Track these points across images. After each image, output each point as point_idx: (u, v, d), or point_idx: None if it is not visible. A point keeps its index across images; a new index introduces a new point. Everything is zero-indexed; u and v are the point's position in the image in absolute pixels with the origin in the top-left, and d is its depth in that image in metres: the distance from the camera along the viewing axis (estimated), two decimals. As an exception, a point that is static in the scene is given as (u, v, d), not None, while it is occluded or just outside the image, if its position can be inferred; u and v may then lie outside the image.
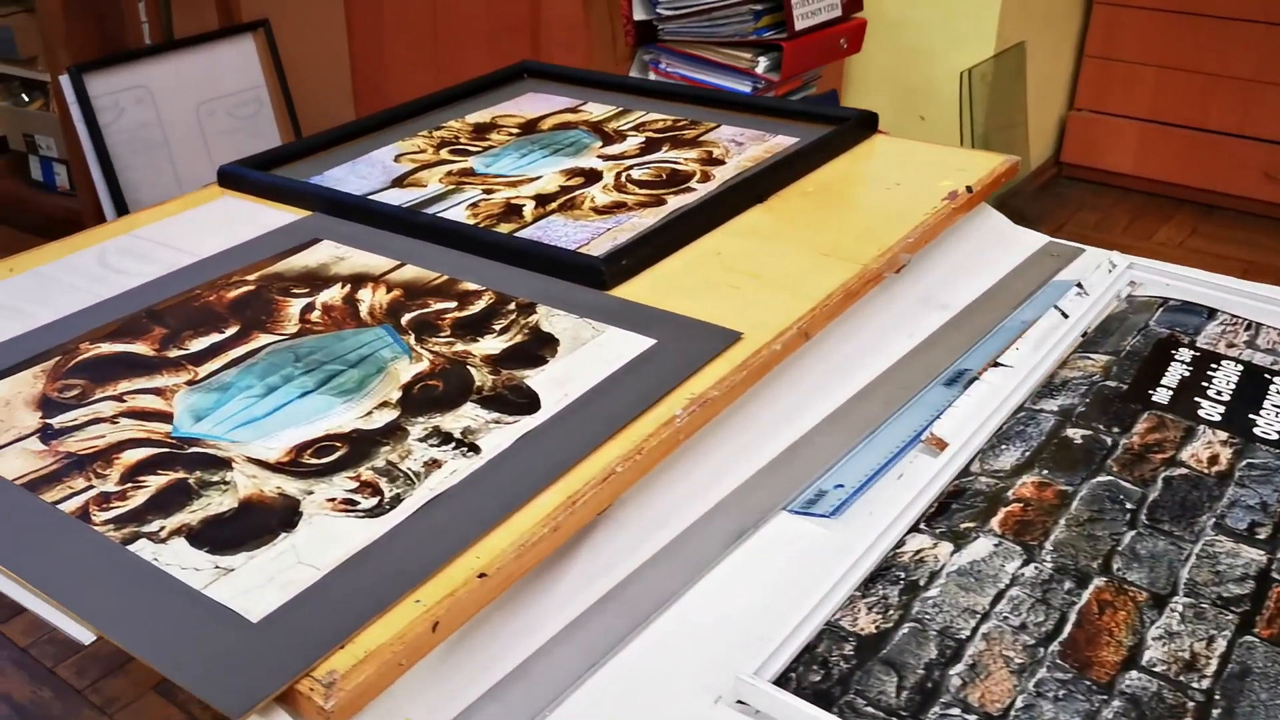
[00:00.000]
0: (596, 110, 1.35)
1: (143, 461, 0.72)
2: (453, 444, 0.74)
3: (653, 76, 2.16)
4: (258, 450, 0.73)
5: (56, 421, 0.77)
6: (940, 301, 1.05)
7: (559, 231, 1.04)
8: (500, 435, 0.74)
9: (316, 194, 1.10)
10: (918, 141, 1.27)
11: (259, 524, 0.67)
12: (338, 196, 1.09)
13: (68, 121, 2.34)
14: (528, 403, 0.78)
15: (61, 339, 0.87)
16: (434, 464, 0.72)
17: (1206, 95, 3.04)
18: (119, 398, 0.79)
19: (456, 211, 1.08)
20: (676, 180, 1.14)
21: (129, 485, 0.70)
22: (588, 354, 0.83)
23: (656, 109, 1.35)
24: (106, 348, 0.86)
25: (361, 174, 1.18)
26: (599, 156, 1.21)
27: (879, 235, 1.02)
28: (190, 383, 0.81)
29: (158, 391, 0.80)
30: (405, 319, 0.89)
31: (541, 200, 1.11)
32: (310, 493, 0.69)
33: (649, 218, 1.06)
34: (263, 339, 0.86)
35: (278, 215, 1.09)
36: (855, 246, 1.00)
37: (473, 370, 0.82)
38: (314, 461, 0.72)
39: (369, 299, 0.92)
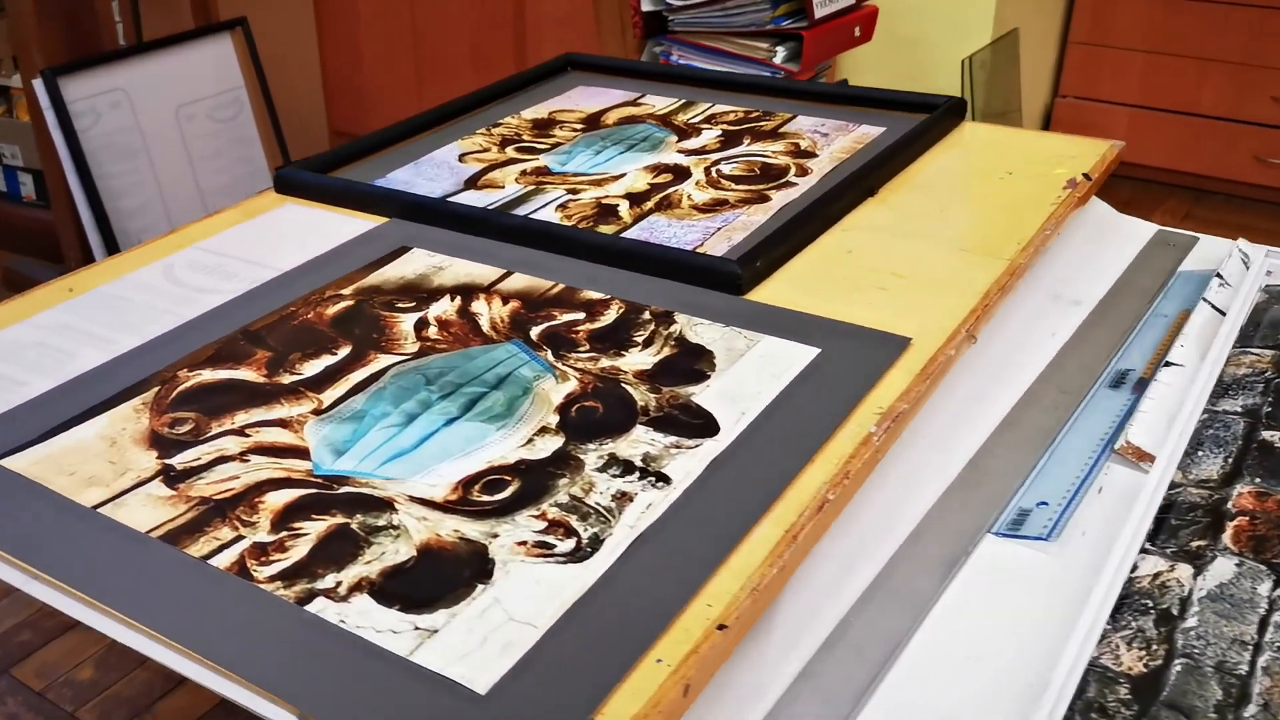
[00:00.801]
0: (659, 103, 1.28)
1: (292, 505, 0.64)
2: (636, 473, 0.66)
3: (665, 69, 2.09)
4: (418, 488, 0.65)
5: (177, 461, 0.68)
6: (1071, 297, 0.99)
7: (665, 232, 0.96)
8: (686, 462, 0.67)
9: (393, 198, 1.01)
10: (1009, 128, 1.21)
11: (449, 575, 0.59)
12: (419, 200, 1.01)
13: (41, 128, 2.21)
14: (703, 424, 0.70)
15: (156, 366, 0.78)
16: (624, 497, 0.64)
17: (1197, 79, 3.04)
18: (240, 431, 0.71)
19: (546, 213, 1.00)
20: (772, 175, 1.07)
21: (284, 534, 0.62)
22: (749, 366, 0.76)
23: (719, 100, 1.28)
24: (209, 375, 0.77)
25: (429, 175, 1.10)
26: (679, 151, 1.14)
27: (1012, 227, 0.96)
28: (316, 412, 0.72)
29: (282, 423, 0.71)
30: (534, 333, 0.81)
31: (634, 199, 1.03)
32: (495, 535, 0.61)
33: (758, 215, 0.99)
34: (382, 360, 0.78)
35: (350, 222, 1.00)
36: (992, 240, 0.94)
37: (629, 388, 0.74)
38: (486, 499, 0.64)
39: (486, 312, 0.84)
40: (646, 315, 0.83)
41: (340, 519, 0.63)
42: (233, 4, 2.64)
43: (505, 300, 0.86)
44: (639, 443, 0.69)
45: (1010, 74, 2.79)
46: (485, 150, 1.16)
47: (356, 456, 0.68)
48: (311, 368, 0.77)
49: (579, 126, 1.21)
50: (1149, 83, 3.11)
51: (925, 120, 1.15)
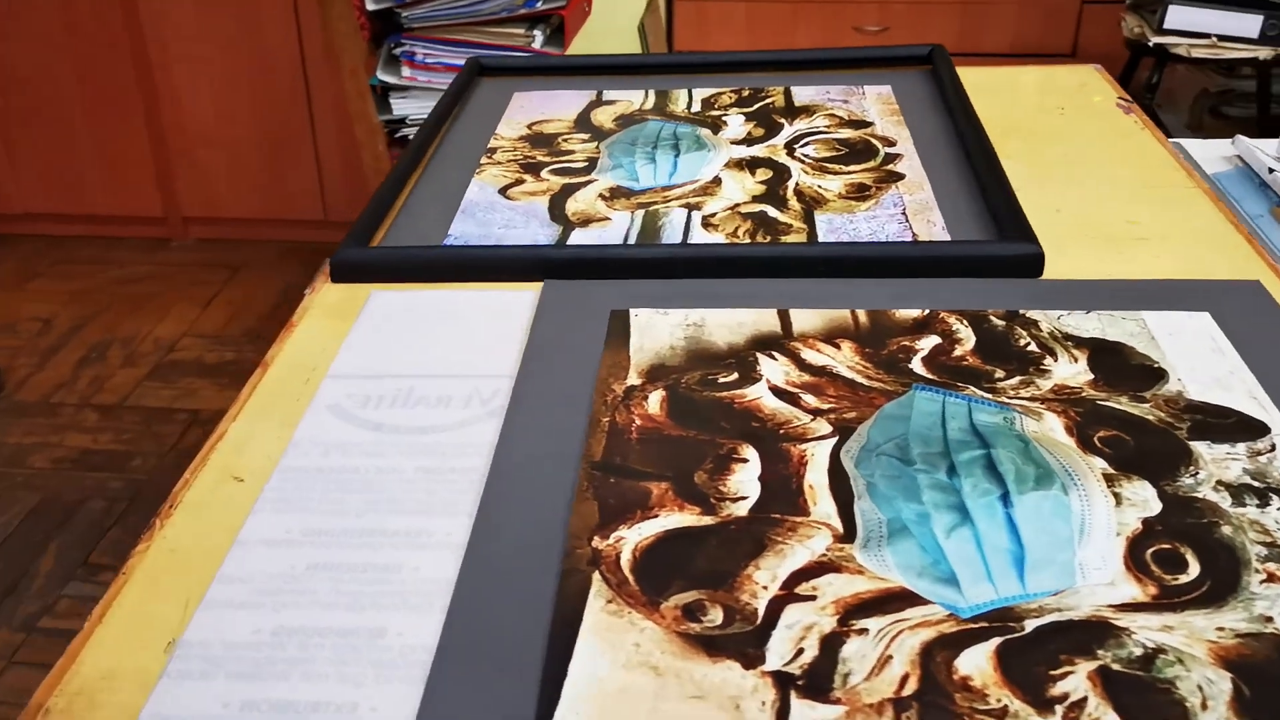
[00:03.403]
0: (631, 96, 1.10)
1: (1001, 666, 0.46)
2: (1275, 496, 0.55)
3: (407, 71, 1.84)
4: (1099, 593, 0.50)
5: (783, 664, 0.46)
6: (1182, 216, 0.98)
7: (856, 228, 0.82)
8: (1290, 467, 0.57)
9: (533, 257, 0.78)
10: (979, 68, 1.17)
11: (1311, 685, 0.45)
12: (581, 256, 0.78)
13: None
14: (1238, 420, 0.60)
15: (549, 544, 0.53)
16: (1305, 526, 0.53)
17: (792, 20, 3.23)
18: (791, 595, 0.50)
19: (699, 235, 0.83)
20: (860, 151, 0.96)
21: (1060, 707, 0.44)
22: (1179, 348, 0.66)
23: (679, 84, 1.13)
24: (635, 536, 0.54)
25: (502, 222, 0.86)
26: (734, 144, 0.98)
27: (1146, 156, 0.93)
28: (841, 539, 0.53)
29: (829, 567, 0.51)
30: (916, 369, 0.65)
31: (773, 202, 0.87)
32: (1268, 619, 0.48)
33: (918, 192, 0.88)
34: (810, 450, 0.59)
35: (484, 297, 0.76)
36: (1154, 173, 0.90)
37: (1115, 405, 0.62)
38: (1185, 579, 0.50)
39: (834, 361, 0.67)
40: (998, 324, 0.70)
41: (1084, 662, 0.46)
42: None
43: (831, 343, 0.68)
44: (1222, 461, 0.57)
45: (660, 33, 2.80)
46: (520, 181, 0.93)
47: (977, 580, 0.50)
48: (740, 484, 0.57)
49: (583, 136, 1.01)
50: (752, 29, 3.26)
51: (940, 70, 1.08)
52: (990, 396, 0.63)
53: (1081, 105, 1.04)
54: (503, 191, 0.91)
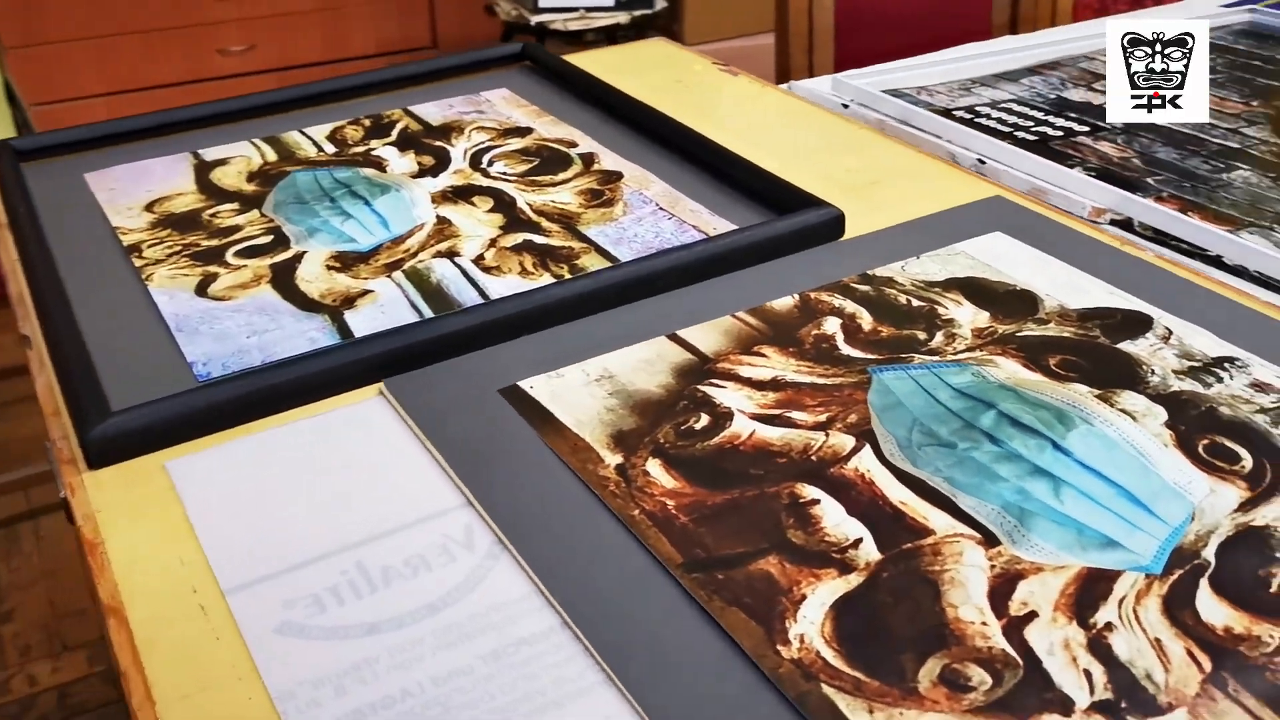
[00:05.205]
0: (240, 150, 0.90)
1: (1232, 599, 0.45)
2: (1220, 369, 0.60)
3: None
4: (1217, 506, 0.50)
5: (1091, 692, 0.41)
6: (815, 160, 1.03)
7: (639, 233, 0.76)
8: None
9: (372, 358, 0.60)
10: (586, 52, 1.13)
11: None
12: (404, 348, 0.62)
13: None
14: (1125, 317, 0.64)
15: (747, 676, 0.42)
16: None
17: (149, 52, 2.90)
18: (1015, 620, 0.44)
19: (501, 284, 0.70)
20: (550, 159, 0.88)
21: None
22: (1017, 269, 0.69)
23: (285, 126, 0.95)
24: (805, 627, 0.44)
25: (243, 330, 0.66)
26: (416, 177, 0.85)
27: (796, 112, 0.96)
28: (984, 544, 0.48)
29: (1013, 576, 0.46)
30: (852, 354, 0.61)
31: (528, 229, 0.77)
32: (1330, 473, 0.52)
33: (653, 187, 0.82)
34: (863, 466, 0.53)
35: (300, 430, 0.58)
36: (815, 120, 0.93)
37: (1038, 332, 0.63)
38: (1240, 466, 0.53)
39: (776, 373, 0.60)
40: (864, 289, 0.68)
41: (1280, 569, 0.47)
42: None
43: (754, 354, 0.62)
44: (1156, 353, 0.61)
45: (14, 84, 2.36)
46: (211, 276, 0.72)
47: (1129, 533, 0.49)
48: (841, 527, 0.49)
49: (232, 207, 0.81)
50: (105, 67, 2.88)
51: (548, 64, 1.02)
52: (936, 358, 0.61)
53: (689, 74, 1.05)
54: (200, 293, 0.70)
